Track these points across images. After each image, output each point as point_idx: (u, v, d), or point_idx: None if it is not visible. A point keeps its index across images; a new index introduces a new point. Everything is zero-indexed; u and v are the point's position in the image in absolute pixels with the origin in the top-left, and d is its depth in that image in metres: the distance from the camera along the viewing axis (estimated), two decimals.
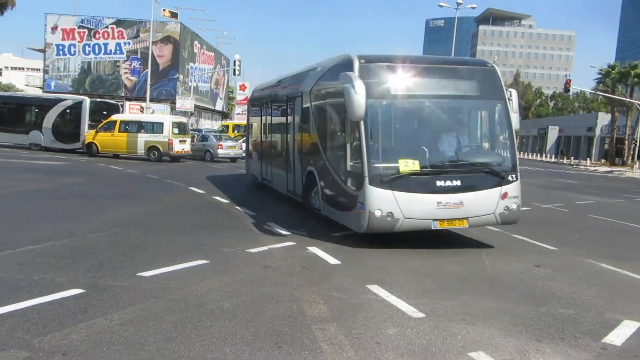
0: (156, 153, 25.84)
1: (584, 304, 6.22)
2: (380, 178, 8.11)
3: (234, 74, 51.44)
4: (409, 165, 8.16)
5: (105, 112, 29.29)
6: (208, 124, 60.26)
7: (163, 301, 5.63)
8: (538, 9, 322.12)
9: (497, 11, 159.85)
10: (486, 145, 9.63)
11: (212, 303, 5.62)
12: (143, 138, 26.01)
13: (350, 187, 8.64)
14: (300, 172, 11.25)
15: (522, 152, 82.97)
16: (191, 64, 58.32)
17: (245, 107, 65.22)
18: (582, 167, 54.02)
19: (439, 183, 8.31)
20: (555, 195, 19.98)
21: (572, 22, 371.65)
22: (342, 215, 9.25)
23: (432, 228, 8.47)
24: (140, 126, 26.59)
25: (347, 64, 8.74)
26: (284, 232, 9.56)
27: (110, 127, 26.77)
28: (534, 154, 79.83)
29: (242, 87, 65.98)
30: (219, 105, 70.87)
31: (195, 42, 60.23)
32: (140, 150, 26.10)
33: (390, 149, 8.51)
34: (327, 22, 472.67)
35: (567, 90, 48.19)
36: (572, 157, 66.95)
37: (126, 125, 26.79)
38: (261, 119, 15.44)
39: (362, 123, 8.09)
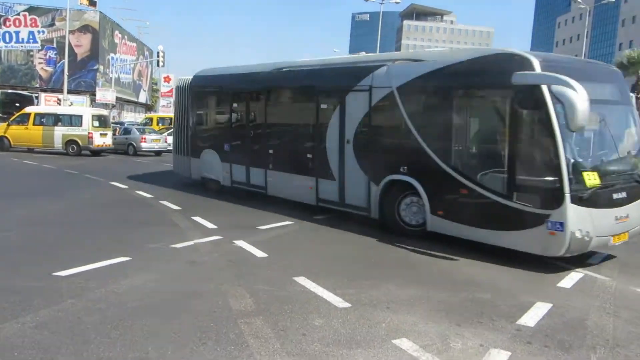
0: (75, 147, 24.68)
1: (501, 288, 6.51)
2: (579, 194, 7.09)
3: (158, 66, 49.85)
4: (592, 178, 7.28)
5: (18, 104, 27.71)
6: (131, 117, 58.24)
7: (81, 301, 5.40)
8: (459, 6, 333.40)
9: (420, 7, 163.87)
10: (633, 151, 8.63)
11: (134, 301, 5.45)
12: (60, 131, 24.76)
13: (525, 203, 7.37)
14: (368, 182, 9.60)
15: None
16: (112, 54, 56.13)
17: (171, 99, 63.36)
18: None
19: (615, 196, 7.61)
20: None
21: (491, 18, 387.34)
22: (489, 235, 7.95)
23: (609, 245, 7.78)
24: (57, 119, 25.28)
25: (509, 61, 7.63)
26: (210, 226, 9.41)
27: (23, 119, 25.31)
28: None
29: (167, 79, 64.16)
30: (143, 98, 68.72)
31: (116, 32, 58.00)
32: (58, 144, 24.86)
33: (582, 161, 7.52)
34: (252, 15, 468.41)
35: None
36: None
37: (42, 118, 25.41)
38: (236, 111, 13.16)
39: (557, 132, 6.98)
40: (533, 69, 7.35)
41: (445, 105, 8.60)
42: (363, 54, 16.64)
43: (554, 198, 7.11)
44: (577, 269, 7.61)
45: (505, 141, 7.62)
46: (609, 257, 8.60)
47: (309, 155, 10.82)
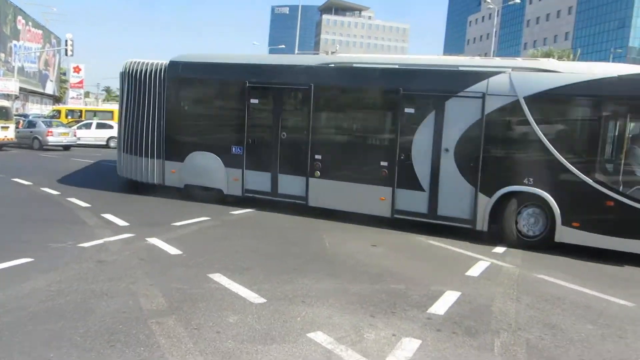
0: None
1: (414, 278, 6.70)
2: None
3: (66, 55, 47.31)
4: None
5: None
6: (37, 109, 55.02)
7: None
8: (376, 2, 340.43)
9: (339, 2, 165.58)
10: None
11: (36, 305, 5.14)
12: None
13: None
14: (475, 192, 9.12)
15: None
16: (14, 41, 52.65)
17: (81, 91, 60.11)
18: None
19: None
20: None
21: (407, 14, 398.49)
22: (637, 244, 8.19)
23: None
24: None
25: None
26: (122, 223, 9.04)
27: None
28: None
29: (77, 70, 61.11)
30: (50, 89, 65.05)
31: (19, 18, 54.45)
32: None
33: None
34: (166, 6, 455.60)
35: None
36: None
37: None
38: (255, 108, 11.07)
39: None
40: None
41: (591, 119, 8.76)
42: (324, 53, 15.67)
43: None
44: (484, 258, 7.98)
45: None
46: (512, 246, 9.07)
47: (382, 164, 9.86)
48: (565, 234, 8.61)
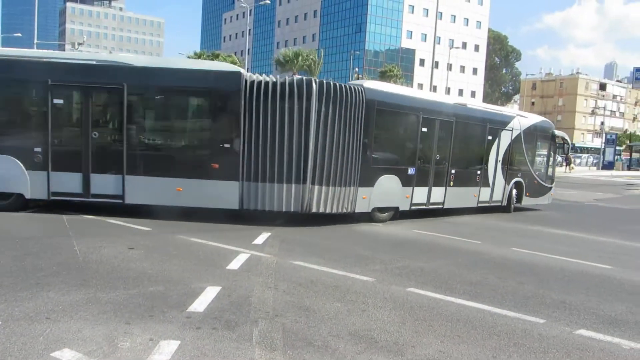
0: None
1: (173, 279, 6.52)
2: None
3: None
4: None
5: None
6: None
7: None
8: None
9: None
10: None
11: None
12: None
13: None
14: None
15: None
16: None
17: None
18: None
19: None
20: None
21: (161, 8, 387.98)
22: None
23: None
24: None
25: None
26: None
27: None
28: None
29: None
30: None
31: None
32: None
33: None
34: None
35: None
36: None
37: None
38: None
39: None
40: None
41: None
42: (70, 44, 14.39)
43: None
44: (244, 251, 8.17)
45: None
46: (272, 237, 9.47)
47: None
48: None
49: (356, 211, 11.50)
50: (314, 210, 10.78)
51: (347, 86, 11.17)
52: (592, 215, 17.37)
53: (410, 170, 12.48)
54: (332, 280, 6.86)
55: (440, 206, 13.35)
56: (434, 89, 55.36)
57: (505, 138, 15.22)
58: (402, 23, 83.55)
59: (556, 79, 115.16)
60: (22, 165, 10.47)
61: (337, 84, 11.03)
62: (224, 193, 10.66)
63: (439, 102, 14.04)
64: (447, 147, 13.34)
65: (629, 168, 56.84)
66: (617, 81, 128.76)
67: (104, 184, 10.62)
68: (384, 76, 63.84)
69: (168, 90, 11.22)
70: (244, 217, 11.53)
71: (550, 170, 17.53)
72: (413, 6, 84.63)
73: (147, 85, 11.02)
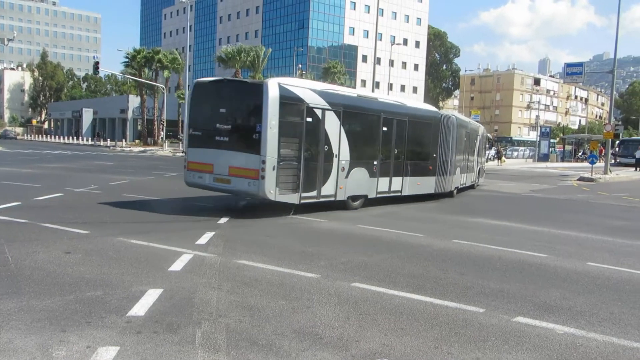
0: None
1: (112, 283, 6.33)
2: None
3: None
4: None
5: None
6: None
7: None
8: None
9: None
10: None
11: None
12: None
13: None
14: None
15: (57, 137, 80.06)
16: None
17: None
18: (119, 148, 55.86)
19: None
20: (91, 178, 19.91)
21: (97, 4, 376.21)
22: None
23: None
24: None
25: None
26: None
27: None
28: (70, 137, 77.98)
29: None
30: None
31: None
32: None
33: None
34: None
35: (96, 72, 48.46)
36: (109, 139, 68.36)
37: None
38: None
39: None
40: None
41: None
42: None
43: None
44: (187, 251, 8.02)
45: None
46: (215, 236, 9.35)
47: None
48: None
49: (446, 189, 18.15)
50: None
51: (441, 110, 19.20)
52: (529, 206, 18.01)
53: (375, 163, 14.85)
54: (277, 278, 6.83)
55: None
56: (376, 85, 56.08)
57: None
58: (344, 20, 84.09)
59: (493, 74, 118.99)
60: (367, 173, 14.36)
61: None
62: (431, 184, 17.11)
63: (394, 104, 16.58)
64: (402, 143, 15.78)
65: (562, 160, 59.32)
66: (550, 76, 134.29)
67: (386, 184, 15.25)
68: (327, 72, 64.16)
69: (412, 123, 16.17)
70: (188, 215, 11.35)
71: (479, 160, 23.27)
72: (355, 3, 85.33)
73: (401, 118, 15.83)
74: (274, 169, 11.45)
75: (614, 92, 40.39)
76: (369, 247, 9.30)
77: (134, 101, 71.90)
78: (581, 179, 30.03)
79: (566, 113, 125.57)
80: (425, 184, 16.77)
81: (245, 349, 4.51)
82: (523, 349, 4.79)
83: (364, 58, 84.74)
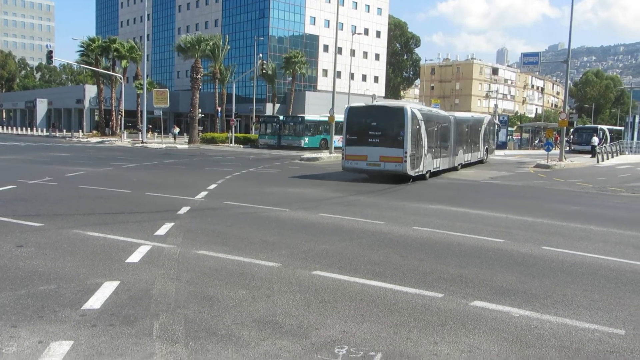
0: None
1: (67, 276, 6.16)
2: None
3: None
4: None
5: None
6: None
7: None
8: None
9: None
10: None
11: None
12: None
13: None
14: None
15: (10, 128, 77.49)
16: None
17: None
18: (75, 139, 54.40)
19: None
20: (45, 170, 19.34)
21: None
22: None
23: None
24: None
25: None
26: None
27: None
28: (24, 128, 75.53)
29: None
30: None
31: None
32: None
33: None
34: None
35: (50, 61, 46.98)
36: (65, 130, 66.51)
37: None
38: None
39: None
40: None
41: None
42: None
43: None
44: (146, 243, 7.87)
45: None
46: (175, 227, 9.20)
47: None
48: None
49: None
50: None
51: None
52: (488, 193, 18.35)
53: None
54: (237, 268, 6.77)
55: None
56: (338, 74, 56.14)
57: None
58: (305, 9, 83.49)
59: (453, 64, 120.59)
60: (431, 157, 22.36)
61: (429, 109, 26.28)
62: (450, 162, 25.10)
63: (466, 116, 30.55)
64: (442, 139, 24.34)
65: (519, 147, 60.66)
66: (508, 66, 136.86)
67: (436, 163, 23.12)
68: (288, 62, 63.80)
69: (466, 126, 28.24)
70: (147, 206, 11.15)
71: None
72: None
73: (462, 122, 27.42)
74: (408, 157, 19.24)
75: (569, 82, 41.45)
76: (330, 235, 9.31)
77: (90, 91, 70.02)
78: (538, 166, 30.75)
79: (523, 102, 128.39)
80: (445, 162, 24.45)
81: (204, 340, 4.46)
82: (480, 332, 4.88)
83: (325, 48, 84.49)
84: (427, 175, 21.61)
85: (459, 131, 26.34)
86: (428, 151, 21.32)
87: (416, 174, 20.13)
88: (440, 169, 23.70)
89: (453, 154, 25.27)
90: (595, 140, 44.80)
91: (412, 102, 26.81)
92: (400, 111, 19.51)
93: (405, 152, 19.11)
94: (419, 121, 20.27)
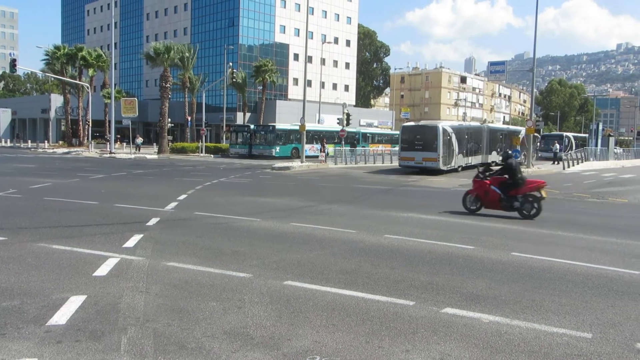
0: None
1: (31, 291, 6.00)
2: None
3: None
4: None
5: None
6: None
7: None
8: None
9: None
10: None
11: None
12: None
13: None
14: None
15: None
16: None
17: None
18: (41, 150, 53.28)
19: None
20: (9, 182, 18.87)
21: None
22: None
23: None
24: None
25: None
26: None
27: None
28: None
29: None
30: None
31: None
32: None
33: None
34: None
35: (13, 70, 45.94)
36: (30, 140, 65.11)
37: None
38: None
39: None
40: None
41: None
42: None
43: None
44: (114, 255, 7.73)
45: None
46: (144, 239, 9.05)
47: None
48: None
49: None
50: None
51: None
52: (458, 200, 18.54)
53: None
54: (208, 279, 6.69)
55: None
56: (308, 83, 56.25)
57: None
58: (275, 18, 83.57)
59: (422, 72, 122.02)
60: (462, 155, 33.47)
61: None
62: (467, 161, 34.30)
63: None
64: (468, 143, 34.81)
65: None
66: (476, 75, 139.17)
67: (465, 161, 33.55)
68: (258, 71, 63.66)
69: (500, 134, 40.71)
70: (115, 218, 10.96)
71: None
72: (285, 1, 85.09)
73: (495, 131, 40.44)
74: (441, 157, 29.19)
75: (535, 90, 42.35)
76: (301, 244, 9.27)
77: (56, 100, 68.74)
78: None
79: (491, 110, 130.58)
80: (478, 159, 32.77)
81: (173, 354, 4.38)
82: (451, 339, 4.91)
83: (296, 56, 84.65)
84: (459, 169, 32.12)
85: (491, 137, 37.06)
86: (459, 152, 32.02)
87: (448, 169, 30.47)
88: (472, 164, 32.68)
89: (485, 153, 35.96)
90: (557, 147, 45.72)
91: (445, 121, 40.93)
92: (435, 128, 29.98)
93: (438, 155, 29.20)
94: (450, 133, 30.46)
